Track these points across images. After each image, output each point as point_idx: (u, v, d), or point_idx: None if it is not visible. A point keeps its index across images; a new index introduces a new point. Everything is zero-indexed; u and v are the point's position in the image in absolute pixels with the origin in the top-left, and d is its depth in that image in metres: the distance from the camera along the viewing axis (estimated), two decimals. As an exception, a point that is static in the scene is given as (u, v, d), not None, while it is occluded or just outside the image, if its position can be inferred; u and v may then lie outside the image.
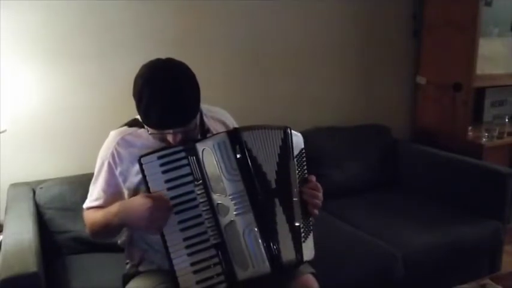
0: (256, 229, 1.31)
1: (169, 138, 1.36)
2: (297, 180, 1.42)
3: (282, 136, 1.42)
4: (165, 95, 1.30)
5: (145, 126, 1.39)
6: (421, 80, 3.19)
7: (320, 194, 1.45)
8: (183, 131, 1.34)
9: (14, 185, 2.11)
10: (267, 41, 2.71)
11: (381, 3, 3.03)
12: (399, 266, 2.08)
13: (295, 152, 1.44)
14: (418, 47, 3.21)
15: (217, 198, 1.32)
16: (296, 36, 2.80)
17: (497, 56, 3.09)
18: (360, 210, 2.52)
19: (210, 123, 1.54)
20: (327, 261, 1.46)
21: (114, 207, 1.39)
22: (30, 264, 1.47)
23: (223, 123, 1.58)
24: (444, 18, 2.99)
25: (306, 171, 1.47)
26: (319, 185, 1.47)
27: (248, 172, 1.33)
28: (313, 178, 1.47)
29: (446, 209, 2.53)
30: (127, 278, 1.53)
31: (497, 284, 1.74)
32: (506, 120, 3.10)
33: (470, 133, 2.97)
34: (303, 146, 1.48)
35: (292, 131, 1.45)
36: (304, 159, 1.48)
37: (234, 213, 1.31)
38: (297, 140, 1.46)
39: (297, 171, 1.43)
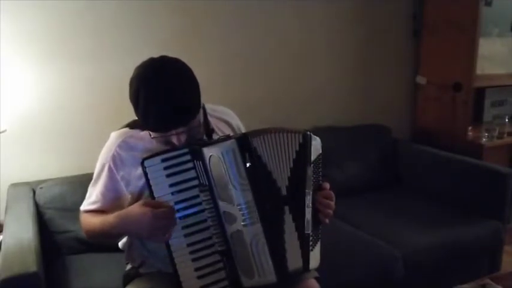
0: (263, 239, 1.27)
1: (174, 140, 1.31)
2: (312, 187, 1.36)
3: (301, 140, 1.35)
4: (162, 95, 1.25)
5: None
6: (421, 80, 3.18)
7: (332, 203, 1.40)
8: (186, 130, 1.30)
9: (14, 185, 2.11)
10: (266, 42, 2.71)
11: (381, 3, 3.03)
12: (399, 266, 2.08)
13: (313, 157, 1.37)
14: (418, 47, 3.21)
15: (224, 206, 1.28)
16: (295, 35, 2.80)
17: (497, 56, 3.09)
18: (360, 210, 2.52)
19: (214, 122, 1.49)
20: (327, 261, 1.45)
21: (111, 218, 1.35)
22: (30, 264, 1.46)
23: (228, 123, 1.55)
24: (444, 18, 2.99)
25: (321, 177, 1.42)
26: (332, 194, 1.42)
27: (258, 181, 1.27)
28: (327, 186, 1.42)
29: (446, 209, 2.53)
30: (127, 279, 1.51)
31: (497, 284, 1.73)
32: (506, 120, 3.10)
33: (470, 133, 2.96)
34: (320, 151, 1.41)
35: (312, 135, 1.38)
36: (321, 164, 1.41)
37: (242, 223, 1.27)
38: (316, 144, 1.39)
39: (313, 177, 1.37)
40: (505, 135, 2.99)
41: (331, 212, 1.40)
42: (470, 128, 2.97)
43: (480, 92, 3.17)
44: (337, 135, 2.81)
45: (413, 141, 3.21)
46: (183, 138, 1.31)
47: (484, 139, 2.93)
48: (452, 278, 2.00)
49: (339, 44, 2.96)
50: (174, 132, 1.29)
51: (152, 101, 1.26)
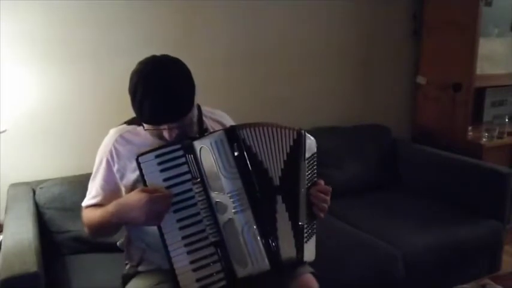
0: (255, 226, 1.31)
1: (165, 134, 1.36)
2: (306, 182, 1.41)
3: (295, 137, 1.41)
4: (157, 91, 1.31)
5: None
6: (421, 80, 3.19)
7: (328, 198, 1.44)
8: (178, 126, 1.34)
9: (14, 185, 2.11)
10: (266, 42, 2.71)
11: (381, 3, 3.03)
12: (399, 266, 2.08)
13: (307, 155, 1.43)
14: (418, 47, 3.21)
15: (215, 196, 1.32)
16: (296, 36, 2.80)
17: (497, 56, 3.09)
18: (360, 210, 2.52)
19: (209, 123, 1.54)
20: (327, 262, 1.46)
21: (110, 206, 1.38)
22: (30, 264, 1.47)
23: (222, 124, 1.58)
24: (444, 18, 2.99)
25: (315, 175, 1.46)
26: (328, 188, 1.45)
27: (246, 169, 1.32)
28: (322, 182, 1.46)
29: (446, 209, 2.53)
30: (127, 278, 1.53)
31: (497, 284, 1.74)
32: (506, 120, 3.10)
33: (470, 133, 2.97)
34: (315, 151, 1.47)
35: (307, 134, 1.44)
36: (315, 163, 1.46)
37: (233, 211, 1.30)
38: (310, 143, 1.46)
39: (307, 174, 1.42)
40: (505, 135, 2.99)
41: (325, 206, 1.43)
42: (470, 128, 2.97)
43: (480, 92, 3.17)
44: (337, 135, 2.81)
45: (413, 141, 3.22)
46: (174, 133, 1.35)
47: (484, 139, 2.93)
48: (452, 278, 2.00)
49: (339, 44, 2.96)
50: (166, 127, 1.34)
51: (148, 97, 1.31)
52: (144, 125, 1.37)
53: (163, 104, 1.31)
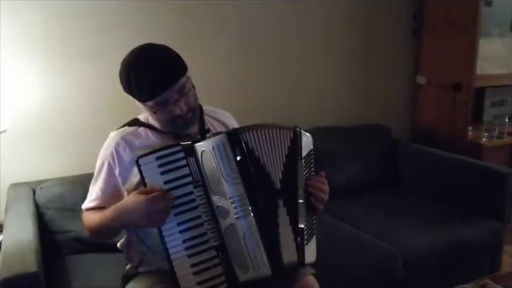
0: (257, 232, 1.29)
1: (176, 110, 1.36)
2: (304, 182, 1.39)
3: (291, 136, 1.37)
4: (149, 64, 1.35)
5: (152, 126, 1.43)
6: (421, 80, 3.19)
7: (326, 187, 1.42)
8: (181, 96, 1.36)
9: (14, 185, 2.11)
10: (265, 42, 2.71)
11: (381, 3, 3.03)
12: (399, 266, 2.08)
13: (304, 153, 1.40)
14: (418, 47, 3.21)
15: (217, 200, 1.30)
16: (295, 36, 2.80)
17: (497, 56, 3.09)
18: (360, 210, 2.51)
19: (211, 122, 1.54)
20: (327, 262, 1.45)
21: (108, 211, 1.37)
22: (30, 264, 1.46)
23: (224, 124, 1.58)
24: (444, 18, 2.99)
25: (313, 173, 1.45)
26: (325, 181, 1.44)
27: (249, 174, 1.29)
28: (323, 174, 1.45)
29: (446, 209, 2.53)
30: (127, 279, 1.52)
31: (497, 284, 1.74)
32: (506, 120, 3.10)
33: (470, 133, 2.97)
34: (312, 147, 1.45)
35: (302, 131, 1.41)
36: (312, 160, 1.44)
37: (235, 216, 1.28)
38: (307, 140, 1.43)
39: (305, 172, 1.40)
40: (505, 135, 2.99)
41: (324, 196, 1.41)
42: (470, 128, 2.97)
43: (480, 92, 3.17)
44: (337, 135, 2.81)
45: (413, 141, 3.22)
46: (183, 106, 1.37)
47: (484, 139, 2.93)
48: (452, 278, 2.00)
49: (339, 44, 2.96)
50: (171, 100, 1.36)
51: (142, 73, 1.35)
52: (153, 109, 1.38)
53: (158, 68, 1.34)
